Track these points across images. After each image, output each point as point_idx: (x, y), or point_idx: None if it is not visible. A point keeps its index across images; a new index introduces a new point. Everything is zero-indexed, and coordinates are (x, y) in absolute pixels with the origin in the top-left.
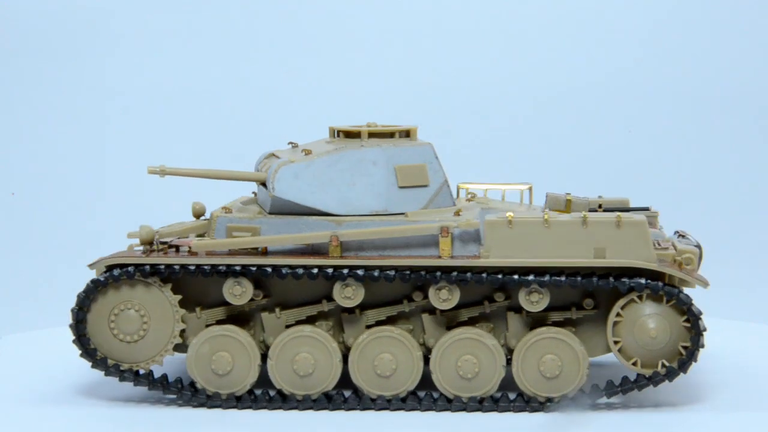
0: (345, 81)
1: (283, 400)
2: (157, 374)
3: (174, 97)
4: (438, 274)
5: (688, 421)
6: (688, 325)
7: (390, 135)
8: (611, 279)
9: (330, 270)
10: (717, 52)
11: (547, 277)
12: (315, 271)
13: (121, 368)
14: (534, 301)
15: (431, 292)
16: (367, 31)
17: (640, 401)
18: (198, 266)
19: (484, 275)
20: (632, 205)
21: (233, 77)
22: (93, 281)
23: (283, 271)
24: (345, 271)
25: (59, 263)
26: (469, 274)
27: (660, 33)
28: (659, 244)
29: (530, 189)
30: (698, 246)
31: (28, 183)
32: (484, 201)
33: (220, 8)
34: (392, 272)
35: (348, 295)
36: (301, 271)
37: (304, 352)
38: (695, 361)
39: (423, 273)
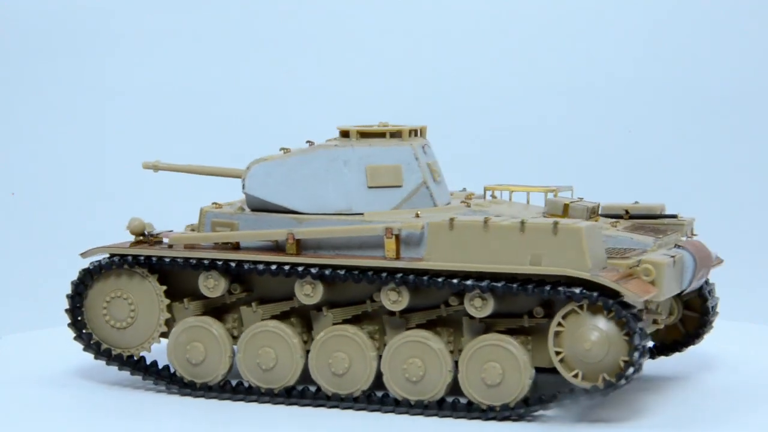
0: (362, 80)
1: (251, 393)
2: (147, 361)
3: (177, 97)
4: (384, 275)
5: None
6: (628, 338)
7: (398, 134)
8: (546, 288)
9: (286, 267)
10: (717, 52)
11: (484, 283)
12: (274, 267)
13: (113, 353)
14: (477, 307)
15: (382, 293)
16: (384, 30)
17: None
18: (173, 258)
19: (425, 278)
20: (668, 211)
21: (243, 78)
22: (82, 270)
23: (245, 266)
24: (300, 269)
25: (59, 263)
26: (411, 277)
27: (660, 33)
28: (622, 252)
29: (571, 191)
30: (686, 256)
31: (28, 183)
32: (482, 204)
33: (226, 7)
34: (342, 272)
35: (307, 292)
36: (261, 267)
37: (267, 346)
38: (626, 380)
39: (370, 274)
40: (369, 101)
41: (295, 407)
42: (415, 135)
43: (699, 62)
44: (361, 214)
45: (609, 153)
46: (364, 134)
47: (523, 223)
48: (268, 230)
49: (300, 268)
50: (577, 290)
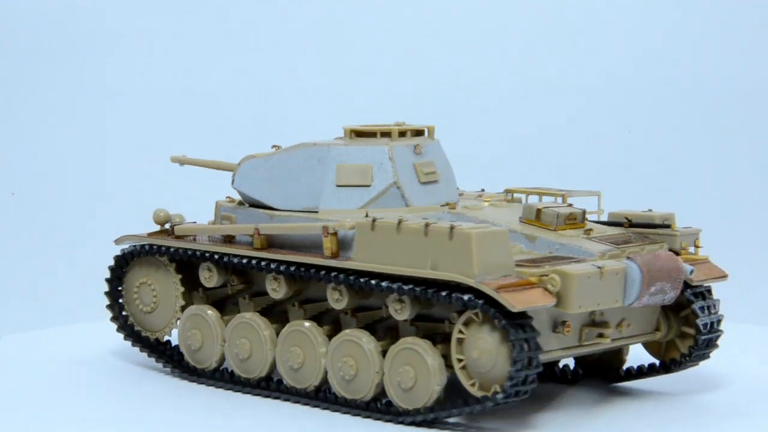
0: (386, 80)
1: (233, 381)
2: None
3: (179, 96)
4: (322, 273)
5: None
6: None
7: (402, 134)
8: (442, 293)
9: (253, 261)
10: (718, 52)
11: (395, 285)
12: (245, 261)
13: (142, 335)
14: (397, 310)
15: (327, 291)
16: (406, 30)
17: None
18: (176, 249)
19: (351, 278)
20: (678, 221)
21: (258, 76)
22: (115, 256)
23: (225, 259)
24: (263, 263)
25: (59, 263)
26: (342, 276)
27: (661, 33)
28: (534, 262)
29: (599, 197)
30: (632, 269)
31: (28, 183)
32: (470, 207)
33: (234, 7)
34: (292, 268)
35: (273, 287)
36: (235, 260)
37: (243, 337)
38: (513, 394)
39: (312, 271)
40: (393, 101)
41: (267, 399)
42: (415, 135)
43: (699, 62)
44: (316, 211)
45: (607, 153)
46: (359, 134)
47: (426, 226)
48: (238, 225)
49: (263, 263)
50: (466, 297)
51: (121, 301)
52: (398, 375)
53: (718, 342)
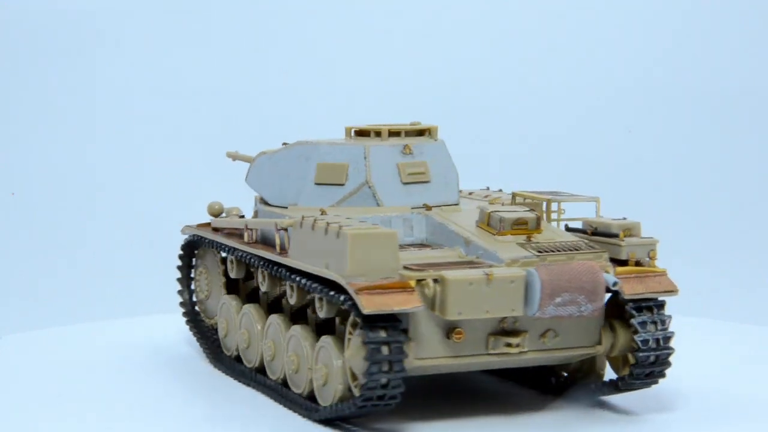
0: (399, 81)
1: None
2: None
3: (180, 96)
4: (274, 268)
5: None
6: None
7: (396, 134)
8: (331, 293)
9: (240, 255)
10: (719, 52)
11: (307, 282)
12: (241, 255)
13: (200, 318)
14: (319, 307)
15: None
16: (423, 31)
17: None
18: (210, 240)
19: (289, 274)
20: (644, 231)
21: (262, 77)
22: (182, 244)
23: (233, 252)
24: (250, 258)
25: (59, 263)
26: (282, 271)
27: (661, 33)
28: (421, 267)
29: (597, 202)
30: (531, 278)
31: (28, 183)
32: (450, 209)
33: (242, 7)
34: (255, 261)
35: (260, 280)
36: (239, 254)
37: (243, 328)
38: (367, 398)
39: (268, 266)
40: (412, 100)
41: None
42: (417, 135)
43: (699, 62)
44: (286, 207)
45: (607, 153)
46: (358, 132)
47: (327, 225)
48: (233, 219)
49: (250, 258)
50: (342, 297)
51: (192, 287)
52: (315, 371)
53: (669, 360)
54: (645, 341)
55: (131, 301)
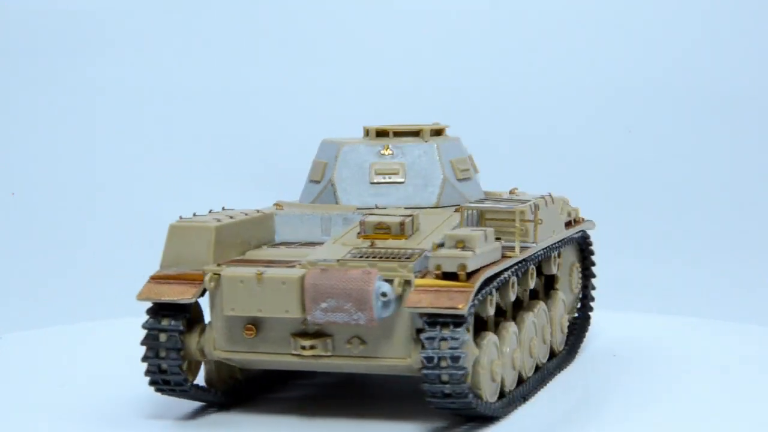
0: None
1: None
2: None
3: (178, 96)
4: None
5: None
6: None
7: (383, 134)
8: None
9: None
10: (719, 52)
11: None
12: None
13: None
14: None
15: None
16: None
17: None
18: None
19: None
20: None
21: (274, 78)
22: None
23: None
24: None
25: (59, 263)
26: None
27: (661, 33)
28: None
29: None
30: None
31: (28, 183)
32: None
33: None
34: None
35: None
36: None
37: None
38: (153, 382)
39: None
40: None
41: None
42: (408, 135)
43: (700, 63)
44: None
45: (607, 153)
46: (376, 132)
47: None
48: None
49: None
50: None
51: None
52: None
53: (464, 381)
54: (429, 358)
55: (131, 301)
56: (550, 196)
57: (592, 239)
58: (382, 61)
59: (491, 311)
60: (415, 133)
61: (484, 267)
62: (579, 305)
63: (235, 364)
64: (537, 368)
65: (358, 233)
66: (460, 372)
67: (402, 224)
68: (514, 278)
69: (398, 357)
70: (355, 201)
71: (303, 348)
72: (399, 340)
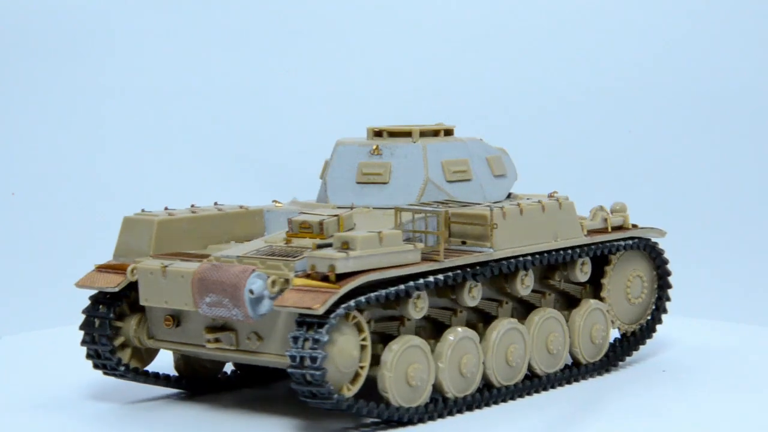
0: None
1: None
2: None
3: (177, 95)
4: None
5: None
6: None
7: (378, 134)
8: None
9: None
10: (719, 53)
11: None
12: None
13: None
14: None
15: None
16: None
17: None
18: None
19: None
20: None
21: (279, 78)
22: None
23: None
24: None
25: (59, 263)
26: None
27: (662, 33)
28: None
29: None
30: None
31: (28, 183)
32: (359, 211)
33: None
34: None
35: None
36: None
37: None
38: (96, 369)
39: None
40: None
41: None
42: (400, 135)
43: (699, 63)
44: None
45: (607, 154)
46: (378, 133)
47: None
48: None
49: None
50: None
51: None
52: None
53: (324, 382)
54: (293, 357)
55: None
56: (556, 198)
57: (663, 248)
58: (412, 62)
59: (414, 314)
60: (408, 134)
61: (372, 270)
62: (648, 317)
63: (182, 352)
64: (530, 377)
65: (287, 231)
66: (318, 372)
67: (321, 224)
68: (429, 282)
69: (281, 354)
70: (342, 200)
71: (208, 341)
72: (282, 338)
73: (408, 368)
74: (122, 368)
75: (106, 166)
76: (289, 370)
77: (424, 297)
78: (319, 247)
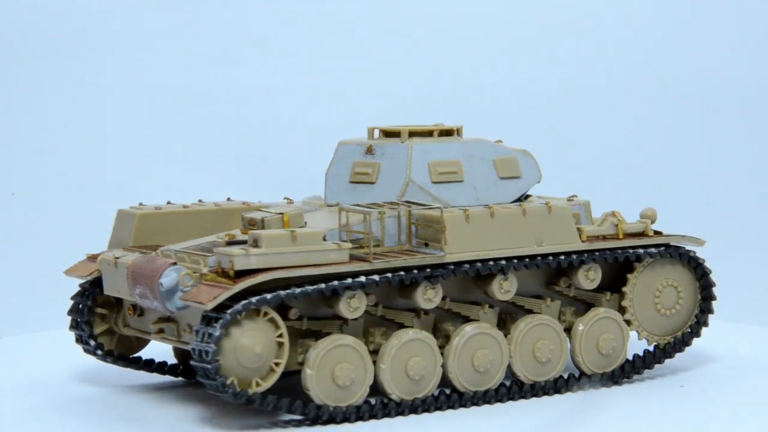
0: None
1: None
2: None
3: (175, 95)
4: None
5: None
6: None
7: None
8: None
9: None
10: (719, 53)
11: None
12: None
13: None
14: None
15: None
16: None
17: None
18: None
19: None
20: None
21: (284, 78)
22: None
23: None
24: None
25: (59, 263)
26: None
27: (662, 32)
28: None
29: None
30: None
31: (28, 183)
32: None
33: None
34: None
35: None
36: None
37: None
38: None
39: None
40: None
41: None
42: (393, 136)
43: (700, 63)
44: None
45: (607, 154)
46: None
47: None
48: None
49: None
50: None
51: None
52: None
53: (216, 377)
54: (193, 350)
55: None
56: (545, 202)
57: (701, 257)
58: (437, 61)
59: (348, 314)
60: (398, 134)
61: (283, 268)
62: (687, 329)
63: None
64: (521, 384)
65: (241, 228)
66: (209, 366)
67: (263, 221)
68: (355, 284)
69: None
70: (337, 199)
71: (154, 331)
72: None
73: (335, 367)
74: (100, 352)
75: (106, 166)
76: (191, 362)
77: (360, 297)
78: (229, 244)
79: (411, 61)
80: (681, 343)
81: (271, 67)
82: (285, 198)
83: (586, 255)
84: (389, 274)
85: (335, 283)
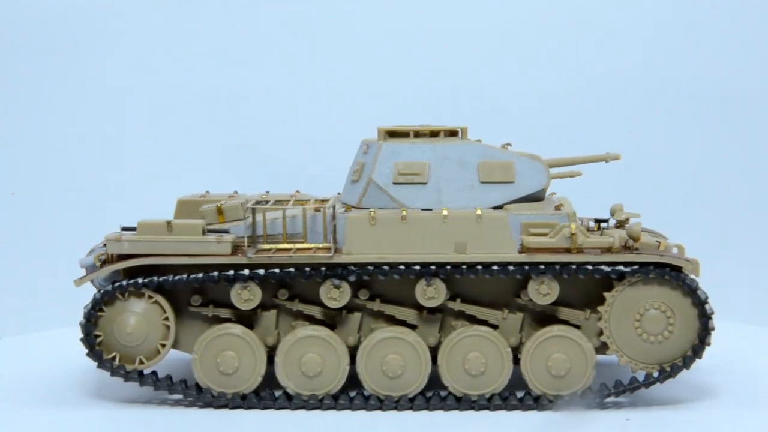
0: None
1: None
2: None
3: (175, 95)
4: None
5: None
6: None
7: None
8: None
9: None
10: (719, 53)
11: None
12: None
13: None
14: None
15: None
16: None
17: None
18: None
19: None
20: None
21: (294, 79)
22: None
23: None
24: None
25: (59, 263)
26: None
27: (662, 33)
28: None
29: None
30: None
31: (28, 183)
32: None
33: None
34: None
35: None
36: None
37: None
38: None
39: None
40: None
41: None
42: (392, 136)
43: (701, 63)
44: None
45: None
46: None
47: None
48: None
49: None
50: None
51: None
52: None
53: (87, 347)
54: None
55: None
56: (475, 210)
57: (696, 280)
58: (452, 66)
59: (240, 305)
60: (399, 134)
61: (159, 256)
62: (679, 362)
63: None
64: (454, 395)
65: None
66: (83, 342)
67: (202, 211)
68: (229, 276)
69: None
70: (343, 195)
71: None
72: None
73: (218, 354)
74: (101, 363)
75: (106, 165)
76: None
77: (252, 290)
78: (210, 231)
79: (435, 62)
80: (668, 375)
81: (289, 68)
82: (296, 191)
83: (514, 267)
84: (262, 270)
85: (215, 274)
